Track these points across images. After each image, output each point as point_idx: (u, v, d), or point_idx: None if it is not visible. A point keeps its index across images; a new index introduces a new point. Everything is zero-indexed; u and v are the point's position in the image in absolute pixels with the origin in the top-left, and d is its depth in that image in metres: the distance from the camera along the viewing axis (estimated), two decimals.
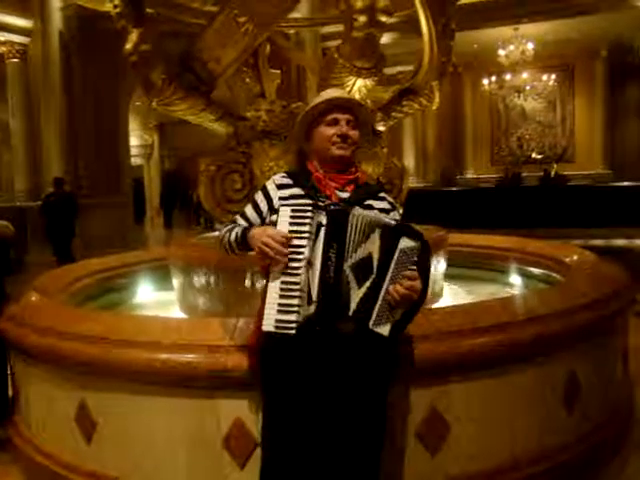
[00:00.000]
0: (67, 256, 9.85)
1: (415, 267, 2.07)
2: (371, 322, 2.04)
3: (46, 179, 12.80)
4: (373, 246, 2.06)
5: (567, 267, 4.04)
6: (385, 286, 2.05)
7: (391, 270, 2.05)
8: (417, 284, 2.06)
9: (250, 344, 2.36)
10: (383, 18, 3.61)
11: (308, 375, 2.11)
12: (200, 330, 2.66)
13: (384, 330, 2.05)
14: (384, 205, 2.28)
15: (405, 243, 2.06)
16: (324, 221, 2.05)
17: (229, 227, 2.31)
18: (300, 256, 2.04)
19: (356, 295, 2.05)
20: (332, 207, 2.09)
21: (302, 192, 2.21)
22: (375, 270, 2.06)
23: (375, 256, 2.06)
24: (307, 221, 2.05)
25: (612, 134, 18.86)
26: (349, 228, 2.04)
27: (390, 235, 2.07)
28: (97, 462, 2.76)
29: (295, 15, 5.82)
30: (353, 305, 2.05)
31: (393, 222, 2.12)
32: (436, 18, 4.04)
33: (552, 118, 19.50)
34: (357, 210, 2.09)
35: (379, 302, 2.05)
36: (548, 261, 4.47)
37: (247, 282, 3.73)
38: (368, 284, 2.06)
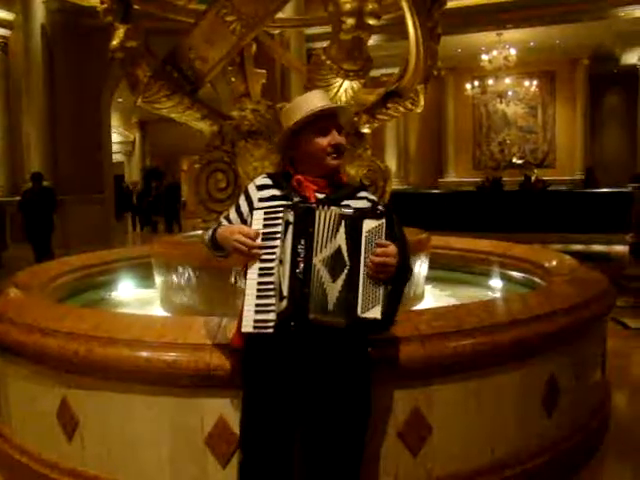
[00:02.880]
0: (46, 252, 9.74)
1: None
2: (359, 309, 2.03)
3: (26, 174, 12.67)
4: (341, 239, 2.07)
5: (548, 271, 4.08)
6: (361, 271, 2.05)
7: (362, 254, 2.05)
8: (390, 249, 2.05)
9: (233, 345, 2.37)
10: (371, 21, 3.62)
11: (288, 373, 2.12)
12: (184, 329, 2.66)
13: (375, 313, 2.03)
14: (363, 204, 2.27)
15: (368, 225, 2.07)
16: (291, 218, 2.06)
17: (210, 229, 2.34)
18: (274, 256, 2.06)
19: (333, 289, 2.05)
20: (300, 204, 2.10)
21: (281, 193, 2.23)
22: (347, 260, 2.06)
23: (344, 248, 2.06)
24: (279, 222, 2.08)
25: (592, 141, 19.13)
26: (316, 223, 2.05)
27: (353, 223, 2.08)
28: (78, 460, 2.74)
29: (281, 15, 5.82)
30: (332, 299, 2.04)
31: (351, 211, 2.12)
32: (423, 22, 4.08)
33: (533, 124, 19.73)
34: (324, 206, 2.09)
35: (360, 288, 2.04)
36: (529, 265, 4.52)
37: (230, 280, 3.73)
38: (344, 276, 2.06)
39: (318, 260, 2.04)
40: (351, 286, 2.05)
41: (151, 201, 19.39)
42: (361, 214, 2.10)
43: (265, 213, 2.12)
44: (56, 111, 12.81)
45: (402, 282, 2.15)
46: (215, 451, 2.52)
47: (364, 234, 2.06)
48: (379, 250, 2.04)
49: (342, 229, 2.07)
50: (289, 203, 2.11)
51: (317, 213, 2.06)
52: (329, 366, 2.11)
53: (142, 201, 20.33)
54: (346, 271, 2.06)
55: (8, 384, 3.11)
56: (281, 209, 2.09)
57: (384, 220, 2.08)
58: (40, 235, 10.07)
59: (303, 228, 2.05)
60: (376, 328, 2.11)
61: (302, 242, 2.04)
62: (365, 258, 2.05)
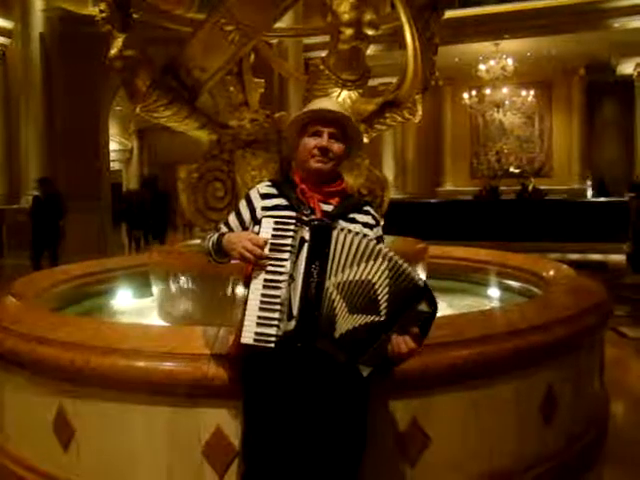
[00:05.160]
0: (54, 260, 9.66)
1: (418, 327, 2.03)
2: (361, 359, 2.00)
3: (24, 182, 12.67)
4: (375, 277, 1.99)
5: (546, 281, 4.09)
6: (389, 333, 2.00)
7: (400, 322, 2.00)
8: (417, 347, 2.03)
9: (230, 355, 2.36)
10: (369, 32, 3.64)
11: (287, 389, 2.10)
12: (182, 338, 2.65)
13: (365, 370, 2.02)
14: (368, 219, 2.27)
15: (422, 307, 2.01)
16: (307, 236, 2.03)
17: (210, 234, 2.31)
18: (281, 269, 2.02)
19: (347, 319, 2.00)
20: (316, 222, 2.07)
21: (286, 203, 2.21)
22: (382, 312, 1.99)
23: (380, 291, 1.99)
24: (290, 234, 2.04)
25: (589, 150, 19.20)
26: (333, 244, 2.01)
27: (413, 292, 2.00)
28: (73, 470, 2.71)
29: (279, 25, 5.84)
30: (341, 328, 2.00)
31: (419, 278, 2.04)
32: (421, 32, 4.10)
33: (530, 133, 19.80)
34: (342, 227, 2.07)
35: (377, 344, 2.00)
36: (527, 274, 4.52)
37: (228, 290, 3.72)
38: (369, 320, 1.99)
39: (332, 283, 2.00)
40: (369, 334, 2.00)
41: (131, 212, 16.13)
42: (425, 292, 2.01)
43: (276, 223, 2.07)
44: (54, 119, 12.82)
45: (396, 365, 2.14)
46: (212, 461, 2.50)
47: (415, 309, 2.00)
48: (411, 344, 2.00)
49: (383, 270, 1.99)
50: (304, 218, 2.08)
51: (334, 234, 2.02)
52: (328, 385, 2.09)
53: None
54: (373, 317, 1.99)
55: (3, 393, 3.08)
56: (292, 221, 2.05)
57: (433, 313, 2.03)
58: (48, 243, 9.96)
59: (319, 248, 2.01)
60: (352, 375, 2.06)
61: (317, 263, 2.00)
62: (398, 327, 2.00)
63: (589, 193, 18.40)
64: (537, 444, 2.88)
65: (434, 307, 2.03)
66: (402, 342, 2.00)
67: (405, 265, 2.01)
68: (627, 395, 4.37)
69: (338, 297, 2.00)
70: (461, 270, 5.22)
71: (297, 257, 2.03)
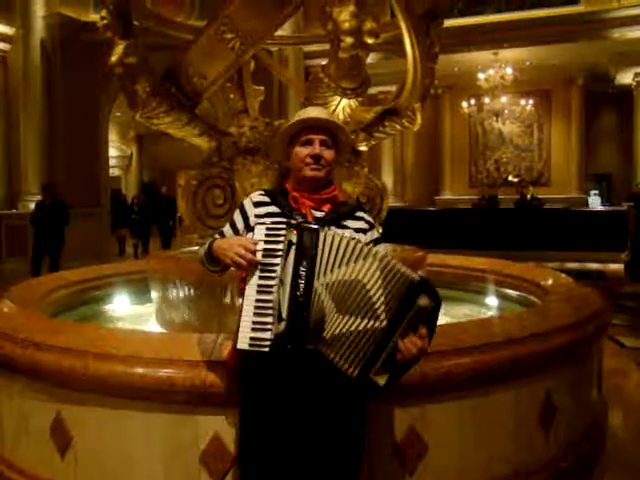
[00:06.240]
0: (54, 267, 9.63)
1: (424, 324, 1.99)
2: (373, 371, 1.97)
3: (23, 187, 12.67)
4: (366, 277, 1.96)
5: (544, 290, 4.09)
6: (394, 339, 1.96)
7: (404, 325, 1.96)
8: (426, 345, 1.99)
9: (227, 361, 2.36)
10: (369, 40, 3.66)
11: (284, 393, 2.10)
12: (180, 345, 2.65)
13: (381, 380, 1.98)
14: (361, 225, 2.27)
15: (423, 301, 1.95)
16: (294, 239, 2.04)
17: (205, 243, 2.32)
18: (274, 274, 2.03)
19: (339, 321, 1.98)
20: (303, 225, 2.07)
21: (278, 211, 2.22)
22: (381, 316, 1.95)
23: (374, 293, 1.95)
24: (281, 239, 2.05)
25: (587, 159, 19.26)
26: (320, 246, 2.01)
27: (409, 290, 1.95)
28: (71, 477, 2.70)
29: (279, 33, 5.86)
30: (332, 329, 1.98)
31: (411, 272, 1.98)
32: (420, 40, 4.11)
33: (529, 142, 19.85)
34: (329, 228, 2.08)
35: (385, 353, 1.96)
36: (525, 283, 4.52)
37: (226, 296, 3.72)
38: (368, 325, 1.95)
39: (320, 284, 2.00)
40: (378, 344, 1.96)
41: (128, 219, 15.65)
42: (422, 286, 1.96)
43: (267, 229, 2.09)
44: (54, 125, 12.83)
45: (412, 366, 2.09)
46: (210, 468, 2.49)
47: (416, 308, 1.94)
48: (419, 344, 1.96)
49: (375, 269, 1.96)
50: (292, 222, 2.08)
51: (321, 235, 2.02)
52: (325, 389, 2.09)
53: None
54: (374, 323, 1.95)
55: (2, 399, 3.08)
56: (284, 227, 2.06)
57: (436, 304, 1.98)
58: (49, 249, 9.92)
59: (306, 250, 2.01)
60: (368, 390, 2.04)
61: (304, 264, 2.00)
62: (403, 330, 1.96)
63: (597, 201, 18.51)
64: (536, 452, 2.87)
65: (436, 299, 1.98)
66: (410, 345, 1.96)
67: (397, 264, 1.98)
68: (625, 404, 4.37)
69: (328, 297, 2.00)
70: (459, 279, 5.22)
71: (285, 260, 2.03)
